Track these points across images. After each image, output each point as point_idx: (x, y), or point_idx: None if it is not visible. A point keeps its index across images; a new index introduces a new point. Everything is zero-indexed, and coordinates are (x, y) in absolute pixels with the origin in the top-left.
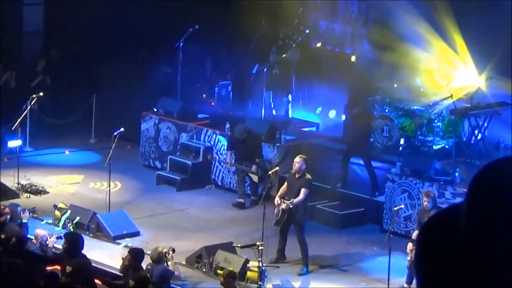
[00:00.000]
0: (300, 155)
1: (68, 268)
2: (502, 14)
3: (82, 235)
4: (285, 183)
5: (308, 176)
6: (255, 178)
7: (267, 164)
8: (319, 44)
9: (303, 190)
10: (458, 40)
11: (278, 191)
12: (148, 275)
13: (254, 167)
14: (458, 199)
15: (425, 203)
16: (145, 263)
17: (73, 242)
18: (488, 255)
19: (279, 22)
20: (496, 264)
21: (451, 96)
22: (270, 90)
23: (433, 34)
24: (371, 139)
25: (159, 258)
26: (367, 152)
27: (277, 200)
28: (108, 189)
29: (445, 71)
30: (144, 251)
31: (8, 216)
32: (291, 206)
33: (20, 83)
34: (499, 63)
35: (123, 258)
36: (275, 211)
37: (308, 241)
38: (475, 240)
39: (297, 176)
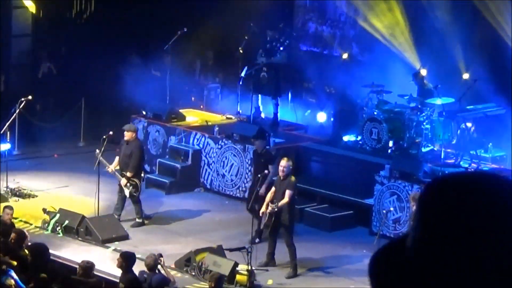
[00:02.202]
0: (284, 158)
1: (42, 277)
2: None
3: (72, 238)
4: (273, 188)
5: (292, 178)
6: (126, 191)
7: (139, 184)
8: (305, 48)
9: (287, 192)
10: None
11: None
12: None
13: (123, 180)
14: None
15: (414, 207)
16: (137, 268)
17: (38, 254)
18: (437, 280)
19: (268, 25)
20: None
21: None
22: (258, 93)
23: (421, 34)
24: (360, 141)
25: (155, 265)
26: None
27: (264, 205)
28: (97, 192)
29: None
30: (136, 255)
31: None
32: (275, 210)
33: (8, 86)
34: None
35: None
36: (264, 216)
37: (297, 244)
38: (424, 266)
39: (282, 178)
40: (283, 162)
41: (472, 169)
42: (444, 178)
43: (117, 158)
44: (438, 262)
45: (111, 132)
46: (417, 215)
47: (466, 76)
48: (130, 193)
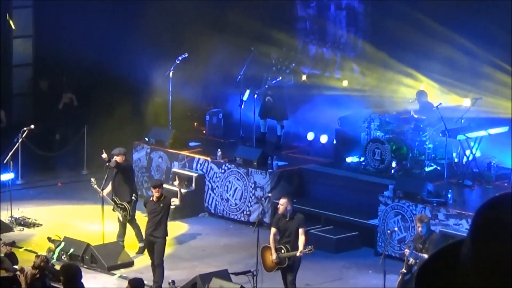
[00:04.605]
0: (283, 196)
1: None
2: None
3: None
4: (273, 229)
5: (299, 214)
6: (120, 216)
7: (129, 206)
8: (306, 70)
9: (301, 230)
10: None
11: (271, 218)
12: None
13: (114, 206)
14: (451, 221)
15: (419, 229)
16: None
17: (71, 274)
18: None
19: (269, 48)
20: None
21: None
22: (264, 117)
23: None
24: (364, 162)
25: None
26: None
27: (277, 254)
28: (102, 219)
29: (432, 93)
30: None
31: None
32: (313, 251)
33: (10, 117)
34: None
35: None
36: (275, 258)
37: (303, 267)
38: (481, 280)
39: (288, 218)
40: (282, 200)
41: None
42: (501, 195)
43: (106, 182)
44: (496, 277)
45: (114, 159)
46: (470, 227)
47: (467, 103)
48: (123, 217)
